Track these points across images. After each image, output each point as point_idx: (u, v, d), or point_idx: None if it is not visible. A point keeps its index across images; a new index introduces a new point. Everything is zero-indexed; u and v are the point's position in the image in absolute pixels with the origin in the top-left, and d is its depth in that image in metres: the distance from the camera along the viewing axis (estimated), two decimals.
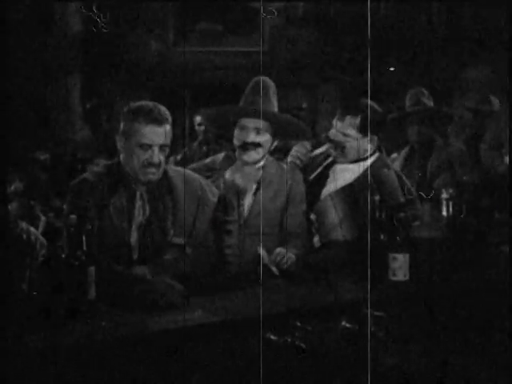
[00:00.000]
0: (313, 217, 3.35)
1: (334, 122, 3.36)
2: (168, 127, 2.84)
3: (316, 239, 3.32)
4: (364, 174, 3.32)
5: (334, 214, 3.29)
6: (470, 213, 3.43)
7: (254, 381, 2.51)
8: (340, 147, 3.34)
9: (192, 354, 2.40)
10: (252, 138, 3.18)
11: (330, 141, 3.38)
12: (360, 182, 3.30)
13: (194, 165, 3.35)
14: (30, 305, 2.47)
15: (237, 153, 3.23)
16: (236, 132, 3.21)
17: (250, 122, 3.18)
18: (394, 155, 4.33)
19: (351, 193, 3.30)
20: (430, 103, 4.44)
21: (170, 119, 2.86)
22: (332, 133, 3.37)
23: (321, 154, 3.57)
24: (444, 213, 3.23)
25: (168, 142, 2.84)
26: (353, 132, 3.31)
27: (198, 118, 5.77)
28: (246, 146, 3.18)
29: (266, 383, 2.52)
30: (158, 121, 2.81)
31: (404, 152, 4.38)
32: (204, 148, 5.63)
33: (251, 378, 2.50)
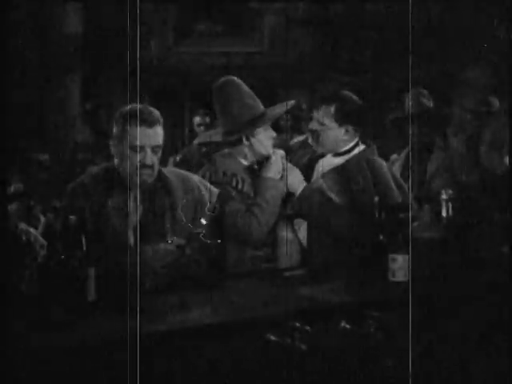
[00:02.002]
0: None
1: (313, 112, 3.40)
2: (159, 128, 2.87)
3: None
4: (357, 157, 3.34)
5: (326, 189, 3.31)
6: (469, 213, 3.43)
7: (254, 381, 2.51)
8: (315, 136, 3.38)
9: (191, 354, 2.40)
10: (274, 133, 3.37)
11: (309, 130, 3.44)
12: (352, 164, 3.32)
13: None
14: (29, 305, 2.47)
15: (255, 151, 3.32)
16: (261, 133, 3.29)
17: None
18: (394, 156, 4.33)
19: (343, 173, 3.31)
20: (430, 104, 4.44)
21: (161, 120, 2.88)
22: (311, 123, 3.42)
23: (300, 142, 3.61)
24: (444, 213, 3.23)
25: (160, 142, 2.87)
26: (327, 121, 3.34)
27: (198, 119, 5.77)
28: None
29: (265, 383, 2.52)
30: (149, 122, 2.84)
31: (404, 153, 4.39)
32: (203, 149, 5.64)
33: (251, 378, 2.50)
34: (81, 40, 6.52)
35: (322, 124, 3.34)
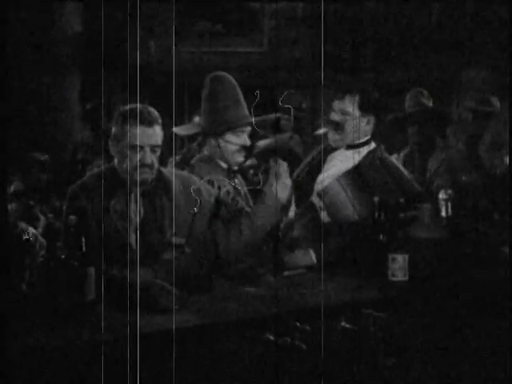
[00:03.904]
0: (315, 200, 3.37)
1: (333, 103, 3.40)
2: (158, 128, 2.87)
3: (324, 214, 3.33)
4: (369, 157, 3.36)
5: (344, 196, 3.31)
6: (469, 213, 3.43)
7: (254, 381, 2.51)
8: (340, 127, 3.38)
9: (191, 354, 2.40)
10: (248, 142, 3.25)
11: (330, 122, 3.42)
12: (366, 164, 3.33)
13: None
14: (29, 305, 2.47)
15: (224, 155, 3.25)
16: (229, 136, 3.23)
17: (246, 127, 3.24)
18: (394, 156, 4.33)
19: (359, 175, 3.32)
20: (430, 103, 4.44)
21: (159, 120, 2.88)
22: (331, 114, 3.41)
23: (322, 135, 3.59)
24: (443, 213, 3.23)
25: (159, 142, 2.87)
26: (353, 110, 3.35)
27: (197, 119, 5.76)
28: (242, 149, 3.23)
29: (265, 383, 2.53)
30: (148, 122, 2.84)
31: (404, 153, 4.39)
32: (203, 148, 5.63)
33: (251, 378, 2.50)
34: (81, 40, 6.52)
35: (346, 113, 3.35)
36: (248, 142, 3.25)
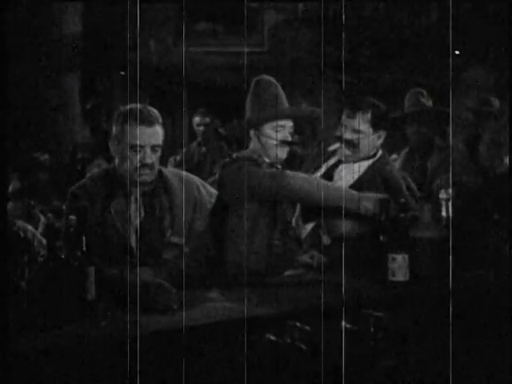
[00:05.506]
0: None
1: (343, 121, 3.39)
2: (158, 128, 2.88)
3: (325, 237, 3.34)
4: (369, 171, 3.36)
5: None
6: (469, 213, 3.43)
7: (254, 381, 2.51)
8: (352, 145, 3.38)
9: (191, 354, 2.40)
10: (289, 137, 3.27)
11: (341, 139, 3.41)
12: (366, 180, 3.33)
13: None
14: (29, 305, 2.47)
15: (266, 150, 3.26)
16: (268, 131, 3.25)
17: (285, 122, 3.26)
18: (394, 156, 4.34)
19: (359, 191, 3.32)
20: (429, 103, 4.45)
21: (160, 120, 2.89)
22: (342, 131, 3.40)
23: (333, 151, 3.59)
24: (443, 213, 3.24)
25: (160, 142, 2.88)
26: (365, 127, 3.36)
27: (197, 119, 5.78)
28: (283, 144, 3.25)
29: (265, 383, 2.53)
30: (148, 121, 2.84)
31: (404, 153, 4.39)
32: (203, 148, 5.64)
33: (251, 378, 2.50)
34: (81, 40, 6.52)
35: (359, 131, 3.36)
36: (289, 138, 3.26)
